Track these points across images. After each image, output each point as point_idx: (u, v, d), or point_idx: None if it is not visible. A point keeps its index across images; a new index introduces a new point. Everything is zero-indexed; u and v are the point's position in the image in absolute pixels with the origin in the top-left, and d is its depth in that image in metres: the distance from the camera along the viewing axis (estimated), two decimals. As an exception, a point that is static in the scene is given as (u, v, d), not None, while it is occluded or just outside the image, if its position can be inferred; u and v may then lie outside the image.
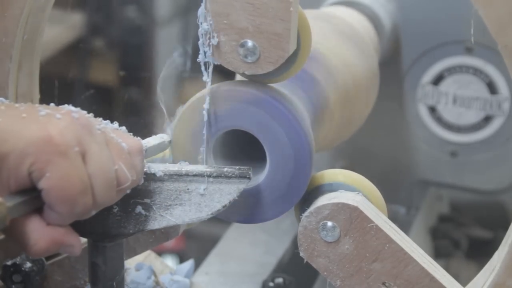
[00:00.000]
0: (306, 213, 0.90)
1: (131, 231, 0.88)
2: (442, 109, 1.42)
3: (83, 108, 0.86)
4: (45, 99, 1.02)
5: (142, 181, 0.88)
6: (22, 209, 0.80)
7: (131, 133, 0.89)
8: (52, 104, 0.85)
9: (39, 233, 0.81)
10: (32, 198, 0.80)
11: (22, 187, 0.80)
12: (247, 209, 0.93)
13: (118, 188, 0.84)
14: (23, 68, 0.99)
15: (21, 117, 0.81)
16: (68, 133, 0.80)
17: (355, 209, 0.88)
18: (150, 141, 0.92)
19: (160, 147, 0.92)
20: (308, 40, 0.90)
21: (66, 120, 0.81)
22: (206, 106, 0.90)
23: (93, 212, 0.83)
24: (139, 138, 0.89)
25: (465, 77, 1.40)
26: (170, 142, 0.93)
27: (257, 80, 0.90)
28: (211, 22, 0.87)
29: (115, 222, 0.88)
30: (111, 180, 0.82)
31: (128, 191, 0.85)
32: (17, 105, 0.84)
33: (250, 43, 0.86)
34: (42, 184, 0.79)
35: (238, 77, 0.95)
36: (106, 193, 0.82)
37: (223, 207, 0.89)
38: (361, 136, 1.34)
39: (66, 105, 0.85)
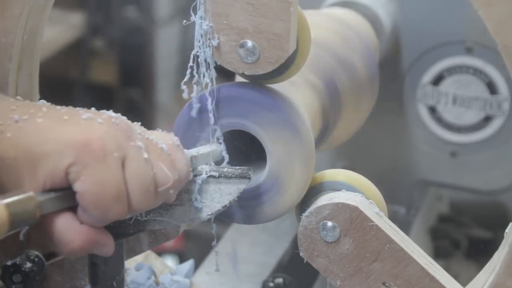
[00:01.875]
0: (306, 213, 0.90)
1: (131, 231, 0.88)
2: (442, 109, 1.42)
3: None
4: (44, 99, 1.02)
5: (191, 176, 0.88)
6: (55, 205, 0.80)
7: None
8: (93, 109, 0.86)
9: (74, 232, 0.81)
10: (66, 194, 0.80)
11: (57, 187, 0.80)
12: (247, 210, 0.93)
13: (160, 189, 0.84)
14: (23, 68, 0.99)
15: (62, 119, 0.82)
16: (108, 138, 0.81)
17: (355, 209, 0.88)
18: (201, 149, 0.91)
19: (210, 156, 0.91)
20: (308, 40, 0.90)
21: (107, 125, 0.82)
22: (210, 107, 0.90)
23: (128, 216, 0.83)
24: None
25: (465, 77, 1.40)
26: (221, 151, 0.92)
27: (256, 81, 0.90)
28: (210, 24, 0.87)
29: (115, 223, 0.87)
30: (148, 186, 0.82)
31: (172, 191, 0.85)
32: (58, 107, 0.85)
33: (249, 43, 0.86)
34: (77, 187, 0.80)
35: (238, 78, 0.95)
36: (142, 199, 0.82)
37: (223, 207, 0.89)
38: (361, 136, 1.34)
39: (106, 110, 0.86)
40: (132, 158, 0.82)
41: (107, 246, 0.84)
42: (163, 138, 0.86)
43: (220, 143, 0.91)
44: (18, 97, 0.93)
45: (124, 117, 0.86)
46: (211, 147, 0.91)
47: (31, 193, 0.78)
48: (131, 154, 0.82)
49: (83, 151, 0.79)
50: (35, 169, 0.80)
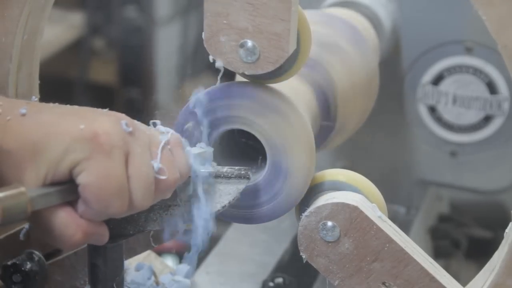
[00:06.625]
0: (306, 213, 0.90)
1: (131, 232, 0.88)
2: (442, 109, 1.42)
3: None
4: (45, 99, 1.02)
5: (189, 173, 0.88)
6: (48, 201, 0.80)
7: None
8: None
9: (75, 225, 0.81)
10: (62, 190, 0.80)
11: (58, 181, 0.81)
12: (247, 209, 0.93)
13: (160, 187, 0.84)
14: (22, 68, 0.99)
15: (68, 114, 0.83)
16: (114, 133, 0.81)
17: (355, 209, 0.88)
18: (194, 150, 0.90)
19: (205, 157, 0.90)
20: (308, 40, 0.90)
21: (113, 121, 0.82)
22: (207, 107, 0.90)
23: (126, 214, 0.83)
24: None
25: (465, 77, 1.40)
26: (211, 151, 0.91)
27: (257, 80, 0.90)
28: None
29: (115, 223, 0.87)
30: (149, 183, 0.83)
31: (169, 190, 0.85)
32: (65, 105, 0.86)
33: (250, 43, 0.86)
34: (80, 179, 0.80)
35: (238, 77, 0.95)
36: (143, 196, 0.83)
37: (223, 207, 0.89)
38: (361, 136, 1.34)
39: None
40: (136, 154, 0.82)
41: (104, 236, 0.84)
42: (165, 135, 0.87)
43: (211, 146, 0.91)
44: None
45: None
46: (203, 148, 0.91)
47: (22, 188, 0.78)
48: (135, 151, 0.82)
49: (88, 145, 0.80)
50: (37, 161, 0.80)
